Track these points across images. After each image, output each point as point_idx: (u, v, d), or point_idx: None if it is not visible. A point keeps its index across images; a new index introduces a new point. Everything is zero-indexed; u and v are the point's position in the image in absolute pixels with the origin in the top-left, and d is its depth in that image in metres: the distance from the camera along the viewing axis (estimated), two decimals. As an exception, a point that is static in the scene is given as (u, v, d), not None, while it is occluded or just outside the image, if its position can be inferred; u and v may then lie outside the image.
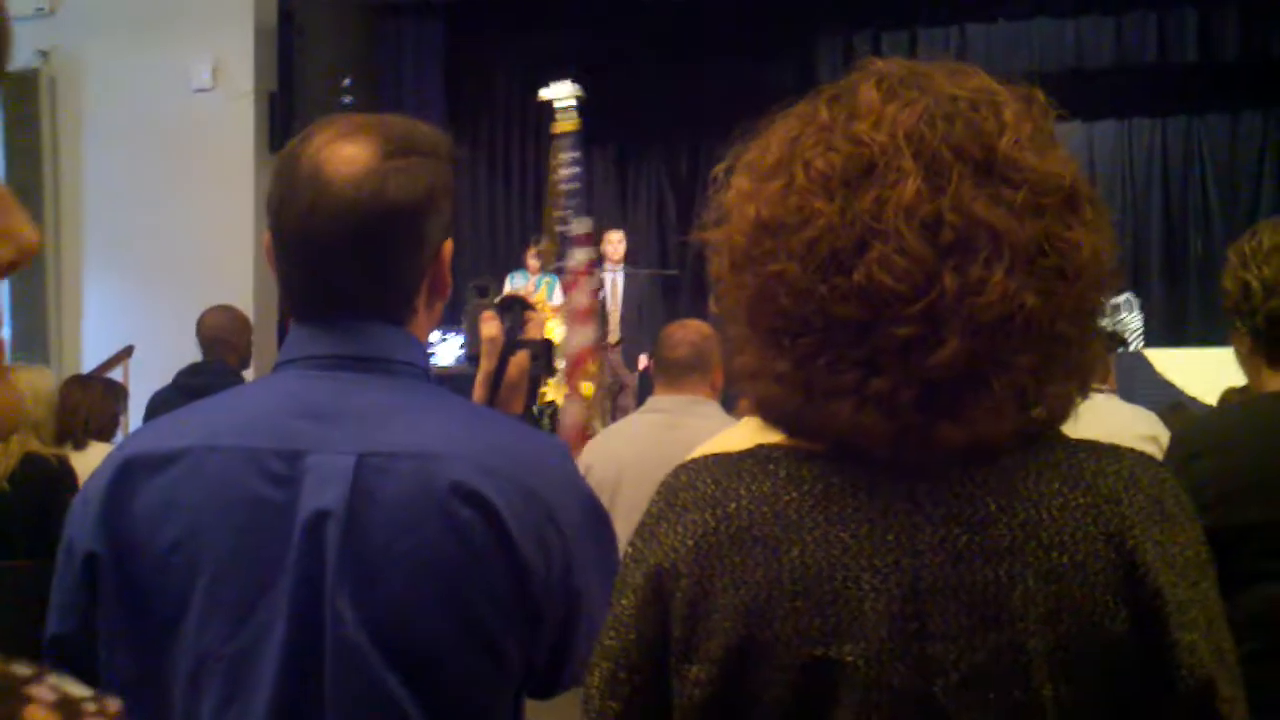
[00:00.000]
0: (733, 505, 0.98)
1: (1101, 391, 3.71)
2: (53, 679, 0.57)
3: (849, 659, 0.92)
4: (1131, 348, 8.63)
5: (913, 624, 0.92)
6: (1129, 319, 9.10)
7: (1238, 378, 2.06)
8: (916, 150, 0.95)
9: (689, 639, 0.96)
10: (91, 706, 0.57)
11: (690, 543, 0.98)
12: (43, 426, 4.06)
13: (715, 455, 1.04)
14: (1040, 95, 1.02)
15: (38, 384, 4.09)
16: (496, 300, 1.51)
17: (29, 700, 0.55)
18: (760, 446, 1.02)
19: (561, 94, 6.10)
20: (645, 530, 1.02)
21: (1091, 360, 0.99)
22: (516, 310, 1.50)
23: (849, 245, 0.94)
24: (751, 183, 1.02)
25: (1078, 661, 0.91)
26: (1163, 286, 10.01)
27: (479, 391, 1.44)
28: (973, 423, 0.93)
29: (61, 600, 1.26)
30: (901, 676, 0.92)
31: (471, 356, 1.47)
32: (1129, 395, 4.66)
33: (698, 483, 1.01)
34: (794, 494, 0.97)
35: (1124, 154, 10.26)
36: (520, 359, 1.46)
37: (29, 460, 3.87)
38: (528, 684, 1.28)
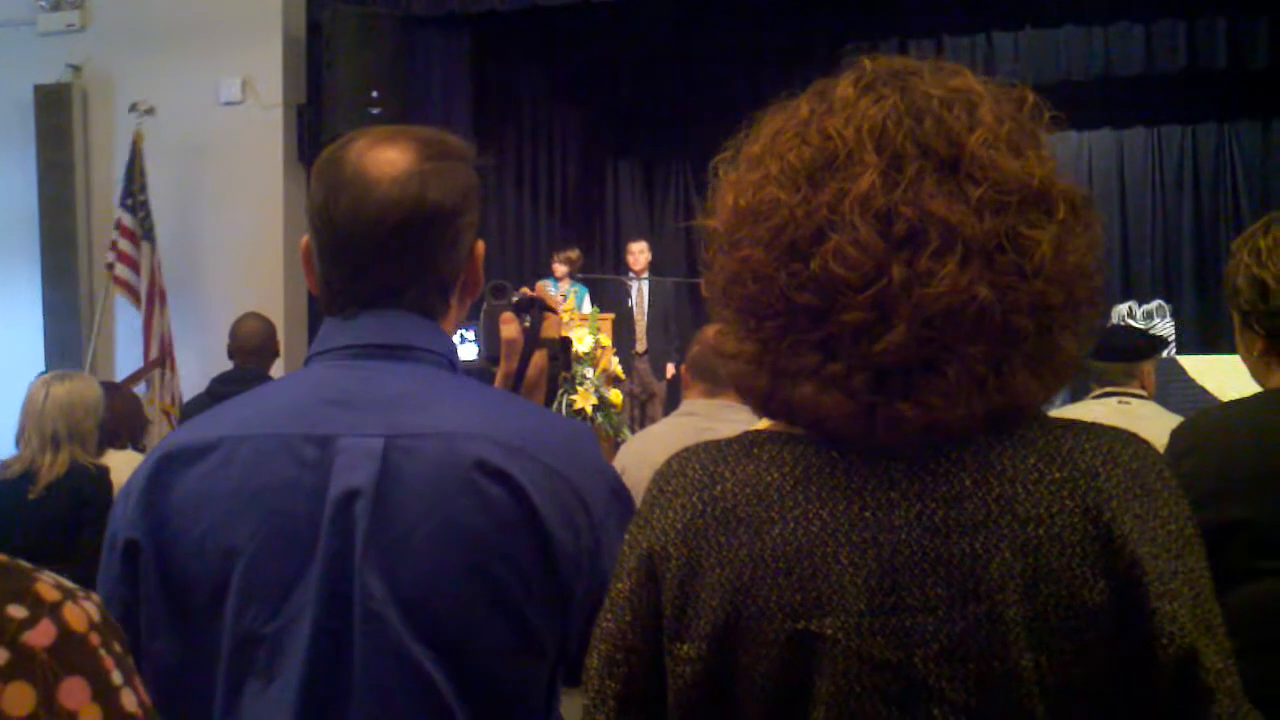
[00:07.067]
0: (719, 488, 1.01)
1: (1140, 398, 3.68)
2: (50, 573, 0.78)
3: (829, 632, 0.94)
4: (1164, 354, 8.57)
5: (890, 597, 0.94)
6: (1160, 326, 9.04)
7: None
8: (879, 145, 0.98)
9: (680, 617, 0.99)
10: (80, 592, 0.78)
11: (680, 525, 1.01)
12: (89, 437, 4.05)
13: (705, 443, 1.07)
14: (1031, 97, 1.03)
15: (85, 394, 4.06)
16: (514, 300, 1.52)
17: (37, 580, 0.76)
18: (746, 433, 1.06)
19: None
20: (640, 517, 1.06)
21: (1062, 356, 0.99)
22: (535, 310, 1.51)
23: (808, 235, 0.98)
24: (737, 173, 1.06)
25: (1056, 632, 0.92)
26: (1195, 294, 9.93)
27: None
28: (929, 406, 0.95)
29: (105, 592, 1.30)
30: (881, 648, 0.94)
31: (491, 357, 1.49)
32: (1162, 401, 4.63)
33: (687, 469, 1.04)
34: (776, 475, 1.00)
35: (1154, 161, 10.20)
36: (539, 358, 1.48)
37: (71, 468, 3.93)
38: (560, 668, 1.30)
